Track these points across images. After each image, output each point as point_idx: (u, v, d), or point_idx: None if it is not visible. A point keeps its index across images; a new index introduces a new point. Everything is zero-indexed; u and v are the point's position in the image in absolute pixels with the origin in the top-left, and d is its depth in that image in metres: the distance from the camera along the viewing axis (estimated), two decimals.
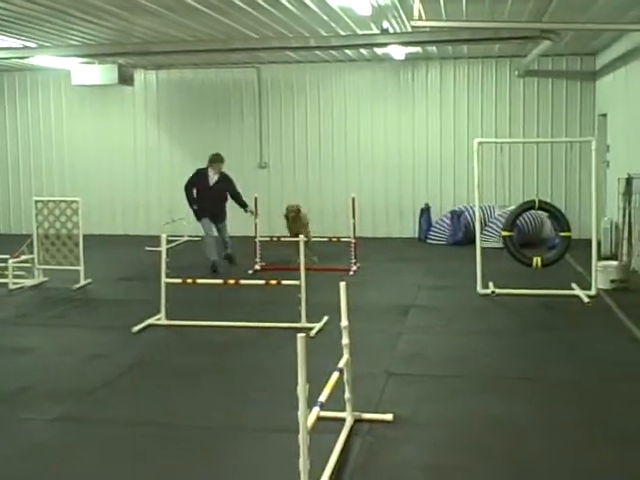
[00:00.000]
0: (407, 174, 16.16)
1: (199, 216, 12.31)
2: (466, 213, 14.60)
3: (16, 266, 10.97)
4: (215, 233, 12.43)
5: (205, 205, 12.18)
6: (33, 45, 12.45)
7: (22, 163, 17.61)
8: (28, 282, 10.98)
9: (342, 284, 5.34)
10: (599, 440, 5.22)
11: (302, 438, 4.03)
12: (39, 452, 5.12)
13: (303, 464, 4.05)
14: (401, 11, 10.54)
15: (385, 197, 16.19)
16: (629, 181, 11.03)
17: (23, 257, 11.23)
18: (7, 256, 11.03)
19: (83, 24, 11.14)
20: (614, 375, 6.71)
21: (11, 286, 10.69)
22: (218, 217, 12.38)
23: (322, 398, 4.58)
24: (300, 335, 4.04)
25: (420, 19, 9.26)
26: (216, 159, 12.36)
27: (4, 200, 17.69)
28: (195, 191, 12.28)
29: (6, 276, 10.80)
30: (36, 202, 11.38)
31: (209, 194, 12.23)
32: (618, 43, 12.82)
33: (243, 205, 12.56)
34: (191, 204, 12.32)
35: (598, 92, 15.26)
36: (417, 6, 8.74)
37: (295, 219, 12.53)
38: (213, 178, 12.31)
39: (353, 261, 11.94)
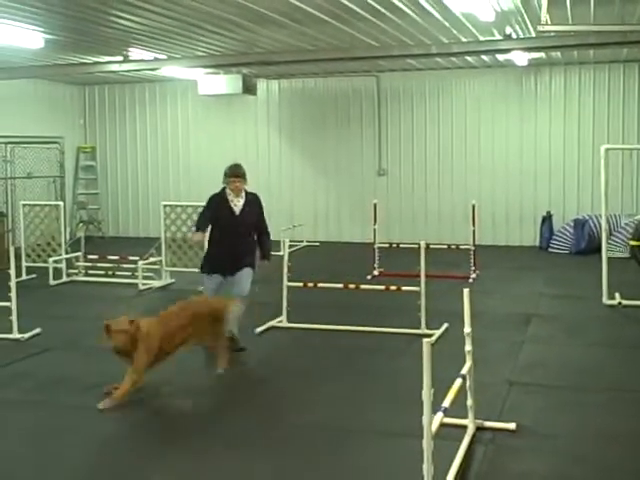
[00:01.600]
0: (528, 181, 15.86)
1: (208, 268, 7.83)
2: (590, 222, 14.19)
3: (145, 268, 11.49)
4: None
5: (226, 247, 7.71)
6: (163, 57, 13.02)
7: (151, 169, 18.41)
8: (156, 283, 11.47)
9: (465, 290, 5.34)
10: None
11: (426, 443, 4.05)
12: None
13: (427, 469, 4.07)
14: (525, 16, 10.39)
15: (505, 204, 15.93)
16: None
17: (152, 259, 11.75)
18: (137, 258, 11.59)
19: (211, 36, 11.55)
20: None
21: (141, 287, 11.21)
22: (242, 263, 7.77)
23: (446, 404, 4.58)
24: (426, 340, 4.08)
25: (546, 24, 9.12)
26: (237, 173, 7.87)
27: (134, 205, 18.53)
28: (213, 229, 7.90)
29: (136, 277, 11.34)
30: (164, 206, 11.88)
31: (234, 228, 7.74)
32: None
33: (267, 253, 8.02)
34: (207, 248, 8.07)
35: None
36: (544, 11, 8.60)
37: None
38: (237, 203, 7.82)
39: (472, 269, 11.83)
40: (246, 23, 10.62)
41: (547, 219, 15.16)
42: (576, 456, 5.10)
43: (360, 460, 5.09)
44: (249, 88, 15.37)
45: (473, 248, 11.90)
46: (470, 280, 11.46)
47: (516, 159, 15.91)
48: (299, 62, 13.69)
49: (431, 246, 12.48)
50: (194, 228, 8.26)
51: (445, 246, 12.74)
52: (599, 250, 10.06)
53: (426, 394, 4.07)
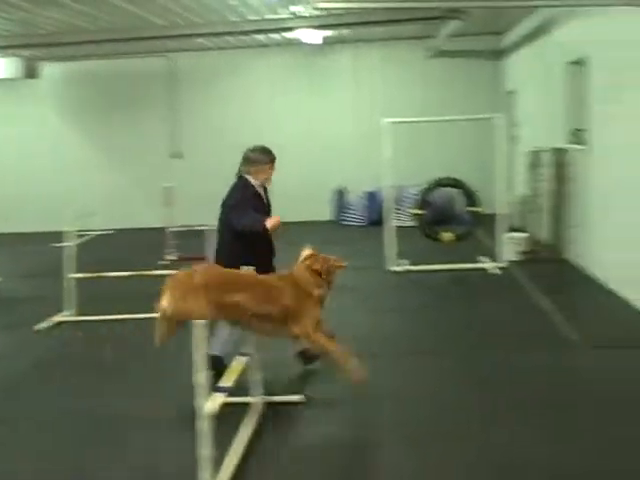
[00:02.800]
0: (322, 156, 16.20)
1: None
2: (381, 194, 14.73)
3: None
4: None
5: (266, 253, 6.23)
6: None
7: None
8: None
9: (245, 269, 5.37)
10: (501, 412, 5.35)
11: (202, 425, 4.04)
12: None
13: (204, 451, 4.06)
14: None
15: (300, 180, 16.12)
16: (535, 155, 11.30)
17: None
18: None
19: None
20: (516, 344, 6.87)
21: None
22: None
23: (226, 384, 4.56)
24: (197, 322, 4.05)
25: (322, 1, 9.30)
26: (274, 157, 6.56)
27: None
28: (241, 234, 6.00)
29: None
30: None
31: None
32: (526, 21, 13.08)
33: None
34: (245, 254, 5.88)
35: (507, 70, 15.56)
36: None
37: None
38: (264, 195, 6.46)
39: None
40: (22, 3, 10.02)
41: (341, 193, 15.59)
42: (365, 421, 5.27)
43: (143, 446, 5.01)
44: (31, 72, 14.56)
45: None
46: None
47: (309, 135, 16.20)
48: (83, 43, 13.15)
49: None
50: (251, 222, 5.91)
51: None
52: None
53: (200, 376, 4.05)
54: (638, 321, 7.35)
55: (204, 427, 4.04)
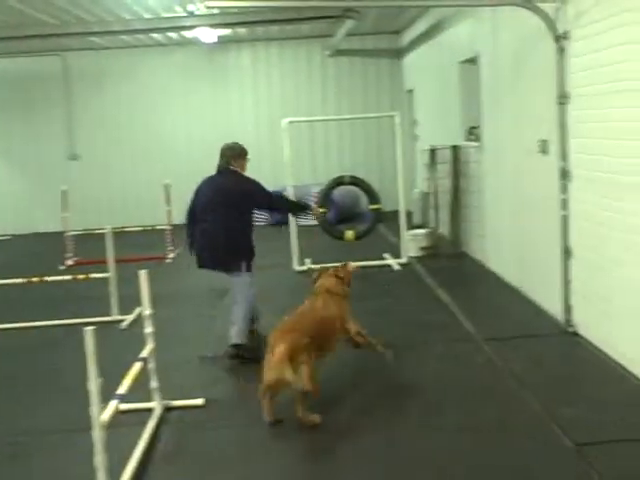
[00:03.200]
0: None
1: (251, 262, 6.95)
2: (285, 193, 14.70)
3: None
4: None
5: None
6: None
7: None
8: None
9: (142, 272, 5.31)
10: (403, 402, 5.46)
11: (97, 434, 3.94)
12: None
13: (100, 461, 3.96)
14: None
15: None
16: (433, 152, 11.52)
17: None
18: None
19: None
20: (415, 337, 7.03)
21: None
22: None
23: (122, 391, 4.46)
24: (87, 329, 3.97)
25: None
26: (246, 150, 7.18)
27: None
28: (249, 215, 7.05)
29: None
30: None
31: None
32: (421, 20, 13.31)
33: None
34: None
35: (405, 69, 15.83)
36: None
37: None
38: None
39: (170, 248, 11.73)
40: None
41: None
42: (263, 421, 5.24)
43: (39, 461, 4.86)
44: None
45: (170, 228, 11.81)
46: (168, 260, 11.36)
47: (210, 136, 15.97)
48: None
49: (128, 229, 12.29)
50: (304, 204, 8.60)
51: (140, 228, 12.50)
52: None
53: (92, 384, 3.95)
54: (530, 313, 7.57)
55: (98, 435, 3.94)
